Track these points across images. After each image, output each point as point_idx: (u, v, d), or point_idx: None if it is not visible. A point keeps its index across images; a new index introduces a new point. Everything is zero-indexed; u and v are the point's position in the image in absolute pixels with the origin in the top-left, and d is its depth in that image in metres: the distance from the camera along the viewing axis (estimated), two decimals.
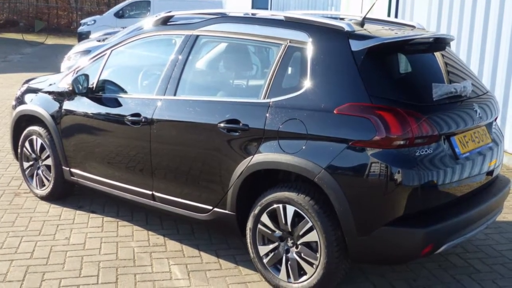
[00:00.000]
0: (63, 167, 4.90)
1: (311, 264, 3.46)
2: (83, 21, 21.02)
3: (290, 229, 3.53)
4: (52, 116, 4.86)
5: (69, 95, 4.73)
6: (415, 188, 3.20)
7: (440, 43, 3.94)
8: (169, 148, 4.07)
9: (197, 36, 4.13)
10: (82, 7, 31.58)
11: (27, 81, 5.57)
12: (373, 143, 3.20)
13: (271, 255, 3.64)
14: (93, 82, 4.56)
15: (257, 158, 3.57)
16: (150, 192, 4.25)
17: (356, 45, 3.42)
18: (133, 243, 4.31)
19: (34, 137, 5.09)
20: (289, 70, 3.67)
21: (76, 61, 8.46)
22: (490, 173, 3.80)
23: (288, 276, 3.57)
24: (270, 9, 15.91)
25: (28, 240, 4.30)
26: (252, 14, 4.31)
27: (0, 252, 4.08)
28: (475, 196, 3.66)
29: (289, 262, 3.55)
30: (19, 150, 5.30)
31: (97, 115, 4.50)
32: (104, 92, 4.56)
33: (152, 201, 4.27)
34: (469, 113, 3.61)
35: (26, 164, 5.28)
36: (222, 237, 4.39)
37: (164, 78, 4.15)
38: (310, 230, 3.42)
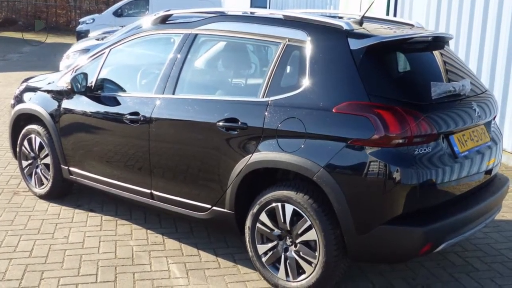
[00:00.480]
0: (62, 165, 4.89)
1: (309, 263, 3.46)
2: (81, 19, 20.97)
3: (288, 228, 3.53)
4: (51, 114, 4.85)
5: (68, 93, 4.72)
6: (413, 187, 3.20)
7: (438, 41, 3.94)
8: (168, 146, 4.06)
9: (196, 35, 4.13)
10: (80, 6, 31.51)
11: (26, 80, 5.57)
12: (372, 142, 3.20)
13: (269, 253, 3.64)
14: (91, 80, 4.56)
15: (256, 156, 3.57)
16: (148, 191, 4.25)
17: (354, 44, 3.42)
18: (131, 241, 4.31)
19: (32, 135, 5.09)
20: (288, 68, 3.67)
21: (74, 59, 8.44)
22: (488, 172, 3.80)
23: (287, 275, 3.57)
24: (269, 7, 15.88)
25: (27, 238, 4.30)
26: (251, 12, 4.32)
27: None
28: (474, 194, 3.66)
29: (287, 261, 3.55)
30: (17, 149, 5.30)
31: (96, 114, 4.50)
32: (102, 91, 4.55)
33: (150, 200, 4.27)
34: (468, 111, 3.61)
35: (24, 163, 5.28)
36: (221, 236, 4.39)
37: (163, 77, 4.14)
38: (308, 228, 3.42)
